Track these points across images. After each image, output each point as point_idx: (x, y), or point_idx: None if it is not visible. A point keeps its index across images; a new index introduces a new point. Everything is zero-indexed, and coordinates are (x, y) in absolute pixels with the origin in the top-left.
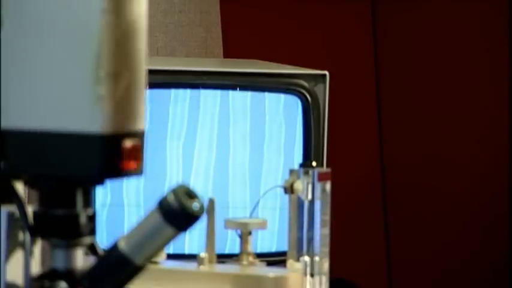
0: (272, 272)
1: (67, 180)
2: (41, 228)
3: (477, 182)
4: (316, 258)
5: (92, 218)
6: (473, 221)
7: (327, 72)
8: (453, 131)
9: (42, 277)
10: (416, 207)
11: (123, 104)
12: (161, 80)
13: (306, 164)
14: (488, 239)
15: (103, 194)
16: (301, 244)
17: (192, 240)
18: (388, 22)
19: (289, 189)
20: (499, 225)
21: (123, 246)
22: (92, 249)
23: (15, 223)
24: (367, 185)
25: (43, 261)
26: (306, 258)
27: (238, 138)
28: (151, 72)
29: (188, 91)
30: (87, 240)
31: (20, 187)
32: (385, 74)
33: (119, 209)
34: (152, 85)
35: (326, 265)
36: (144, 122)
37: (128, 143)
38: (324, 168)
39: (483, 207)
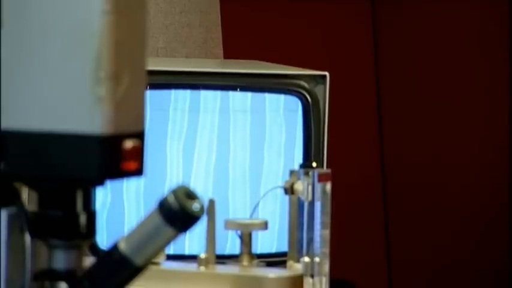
0: (272, 272)
1: (67, 181)
2: (41, 228)
3: (477, 182)
4: (317, 259)
5: (92, 219)
6: (473, 221)
7: (327, 73)
8: (453, 130)
9: (42, 277)
10: (416, 207)
11: (124, 104)
12: (161, 80)
13: (306, 164)
14: (489, 239)
15: (103, 194)
16: (301, 245)
17: (192, 241)
18: (388, 22)
19: (289, 190)
20: (499, 225)
21: (123, 246)
22: (92, 249)
23: (15, 223)
24: (367, 185)
25: (37, 261)
26: (306, 259)
27: (239, 139)
28: (151, 73)
29: (188, 92)
30: (87, 241)
31: (20, 188)
32: (385, 74)
33: (119, 209)
34: (152, 86)
35: (326, 266)
36: (144, 122)
37: (128, 144)
38: (324, 169)
39: (483, 207)
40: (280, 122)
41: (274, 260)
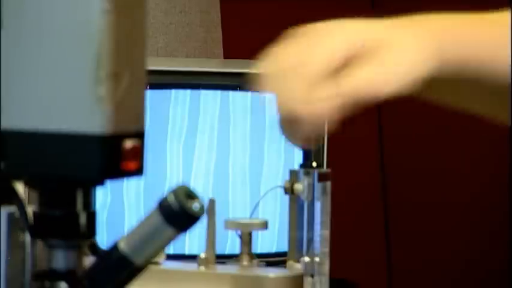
0: (272, 272)
1: (67, 180)
2: (41, 228)
3: (478, 181)
4: (317, 259)
5: (92, 219)
6: (475, 221)
7: None
8: (453, 130)
9: (42, 277)
10: (416, 207)
11: (124, 104)
12: (161, 80)
13: (306, 164)
14: (490, 238)
15: (103, 194)
16: (301, 245)
17: (192, 240)
18: None
19: (289, 190)
20: (501, 226)
21: (123, 246)
22: (92, 249)
23: (15, 223)
24: (367, 185)
25: (42, 261)
26: (306, 258)
27: (239, 139)
28: (151, 72)
29: (188, 91)
30: (87, 240)
31: (20, 187)
32: None
33: (119, 209)
34: (152, 85)
35: (326, 266)
36: (145, 122)
37: (128, 144)
38: (324, 169)
39: (485, 207)
40: None
41: (274, 259)
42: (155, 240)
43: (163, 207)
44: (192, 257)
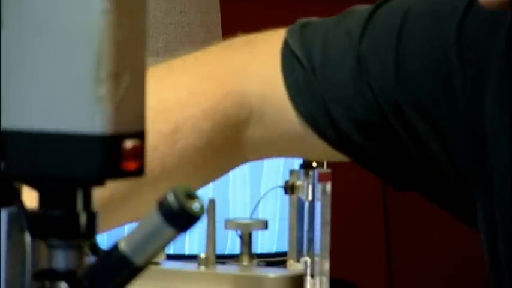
0: (272, 272)
1: (67, 180)
2: (41, 228)
3: None
4: (317, 259)
5: (92, 219)
6: None
7: None
8: None
9: (42, 277)
10: (417, 207)
11: (124, 104)
12: None
13: (306, 164)
14: None
15: None
16: (301, 245)
17: (192, 240)
18: None
19: (289, 190)
20: None
21: (123, 246)
22: (92, 249)
23: (15, 223)
24: (367, 185)
25: (40, 261)
26: (306, 258)
27: None
28: None
29: None
30: (87, 240)
31: (20, 187)
32: None
33: None
34: None
35: (326, 266)
36: (145, 122)
37: (129, 144)
38: (325, 169)
39: None
40: None
41: (274, 259)
42: (155, 240)
43: (163, 207)
44: (192, 257)
